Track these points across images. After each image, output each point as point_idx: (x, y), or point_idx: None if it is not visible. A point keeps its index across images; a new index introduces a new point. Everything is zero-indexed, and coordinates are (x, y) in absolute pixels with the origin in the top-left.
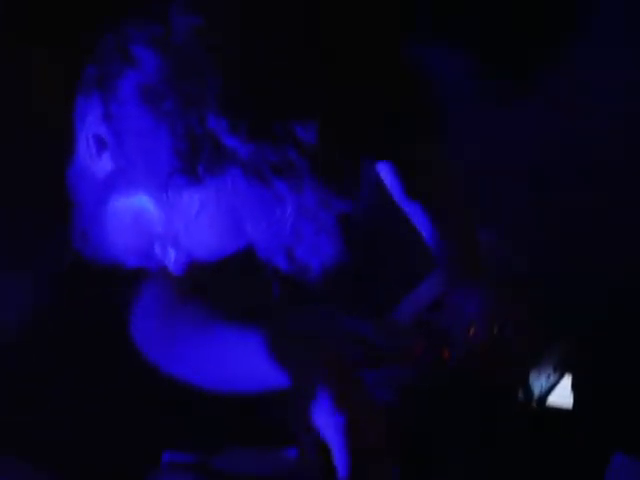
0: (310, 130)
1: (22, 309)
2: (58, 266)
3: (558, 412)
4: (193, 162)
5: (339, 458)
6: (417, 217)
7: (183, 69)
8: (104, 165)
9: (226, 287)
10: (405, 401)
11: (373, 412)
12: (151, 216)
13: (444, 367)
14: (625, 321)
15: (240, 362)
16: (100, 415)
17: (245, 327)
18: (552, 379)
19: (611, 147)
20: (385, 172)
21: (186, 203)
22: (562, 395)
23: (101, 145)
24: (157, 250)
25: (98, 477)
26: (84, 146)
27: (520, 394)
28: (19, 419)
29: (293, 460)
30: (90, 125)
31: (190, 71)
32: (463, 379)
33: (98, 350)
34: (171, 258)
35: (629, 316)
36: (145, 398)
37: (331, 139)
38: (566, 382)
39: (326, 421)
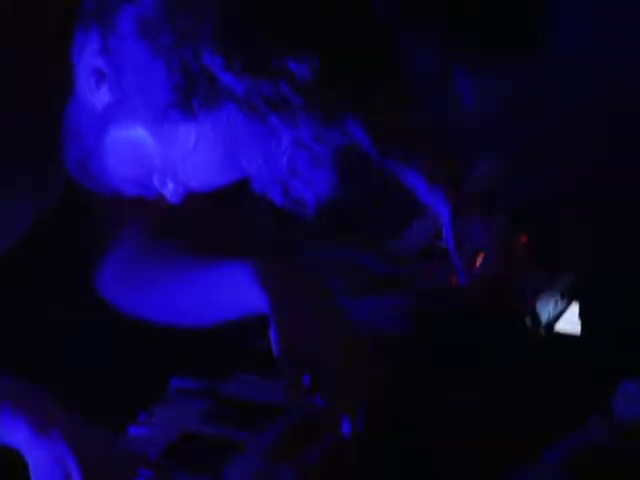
0: (304, 65)
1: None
2: (48, 198)
3: (566, 338)
4: (189, 97)
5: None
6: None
7: (180, 3)
8: (102, 97)
9: (216, 220)
10: (413, 328)
11: (354, 331)
12: (149, 148)
13: (453, 291)
14: (632, 246)
15: (216, 296)
16: (106, 341)
17: (223, 262)
18: (560, 306)
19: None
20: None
21: (182, 137)
22: (570, 322)
23: (99, 77)
24: (155, 181)
25: (105, 405)
26: (83, 78)
27: (528, 321)
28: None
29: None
30: (88, 58)
31: (187, 6)
32: (471, 306)
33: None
34: (169, 189)
35: (635, 241)
36: (151, 326)
37: (325, 73)
38: (574, 309)
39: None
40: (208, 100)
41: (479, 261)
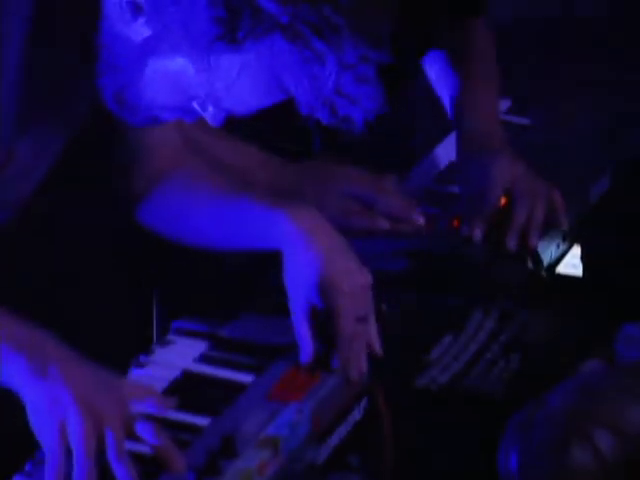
0: None
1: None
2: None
3: (567, 280)
4: (233, 29)
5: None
6: (437, 76)
7: None
8: (140, 30)
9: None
10: (417, 269)
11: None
12: (190, 77)
13: (455, 235)
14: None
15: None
16: (109, 278)
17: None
18: (561, 248)
19: None
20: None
21: (226, 66)
22: (571, 265)
23: (136, 10)
24: (196, 106)
25: (105, 342)
26: (116, 10)
27: (529, 262)
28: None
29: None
30: None
31: None
32: (474, 247)
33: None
34: (209, 113)
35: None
36: (154, 262)
37: None
38: (576, 251)
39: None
40: (252, 31)
41: (483, 201)
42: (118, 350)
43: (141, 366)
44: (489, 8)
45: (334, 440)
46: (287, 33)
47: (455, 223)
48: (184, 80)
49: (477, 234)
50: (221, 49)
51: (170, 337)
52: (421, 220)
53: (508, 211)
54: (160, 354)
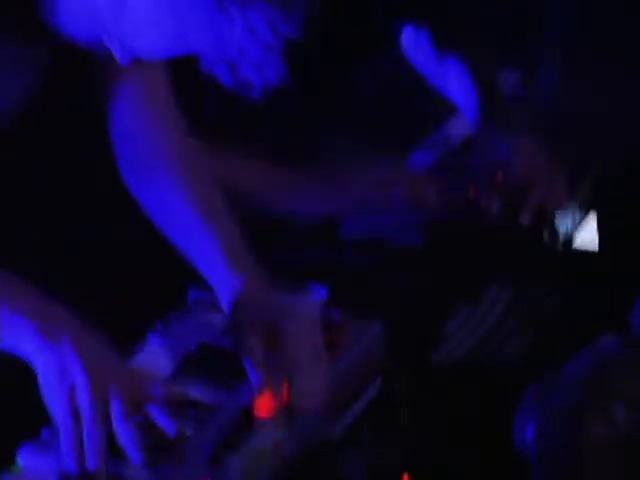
0: None
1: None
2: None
3: (583, 254)
4: None
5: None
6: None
7: None
8: None
9: None
10: (432, 241)
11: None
12: (100, 7)
13: (471, 209)
14: None
15: None
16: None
17: None
18: (577, 219)
19: None
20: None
21: (134, 6)
22: (588, 238)
23: None
24: (105, 40)
25: (119, 312)
26: None
27: (546, 236)
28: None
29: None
30: None
31: None
32: (490, 220)
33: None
34: (118, 52)
35: None
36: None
37: None
38: (592, 223)
39: None
40: None
41: (500, 176)
42: (134, 320)
43: (157, 334)
44: None
45: (349, 418)
46: None
47: (471, 194)
48: (93, 9)
49: (494, 207)
50: None
51: (187, 308)
52: (437, 200)
53: (525, 187)
54: (176, 324)
